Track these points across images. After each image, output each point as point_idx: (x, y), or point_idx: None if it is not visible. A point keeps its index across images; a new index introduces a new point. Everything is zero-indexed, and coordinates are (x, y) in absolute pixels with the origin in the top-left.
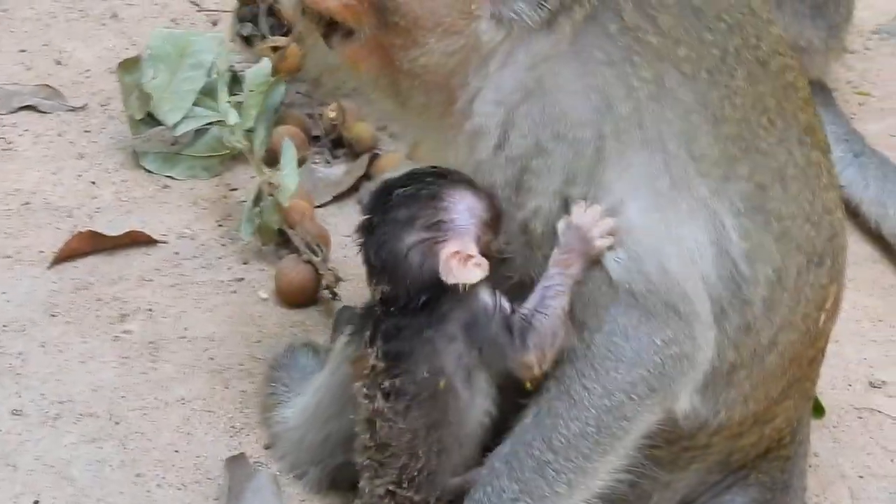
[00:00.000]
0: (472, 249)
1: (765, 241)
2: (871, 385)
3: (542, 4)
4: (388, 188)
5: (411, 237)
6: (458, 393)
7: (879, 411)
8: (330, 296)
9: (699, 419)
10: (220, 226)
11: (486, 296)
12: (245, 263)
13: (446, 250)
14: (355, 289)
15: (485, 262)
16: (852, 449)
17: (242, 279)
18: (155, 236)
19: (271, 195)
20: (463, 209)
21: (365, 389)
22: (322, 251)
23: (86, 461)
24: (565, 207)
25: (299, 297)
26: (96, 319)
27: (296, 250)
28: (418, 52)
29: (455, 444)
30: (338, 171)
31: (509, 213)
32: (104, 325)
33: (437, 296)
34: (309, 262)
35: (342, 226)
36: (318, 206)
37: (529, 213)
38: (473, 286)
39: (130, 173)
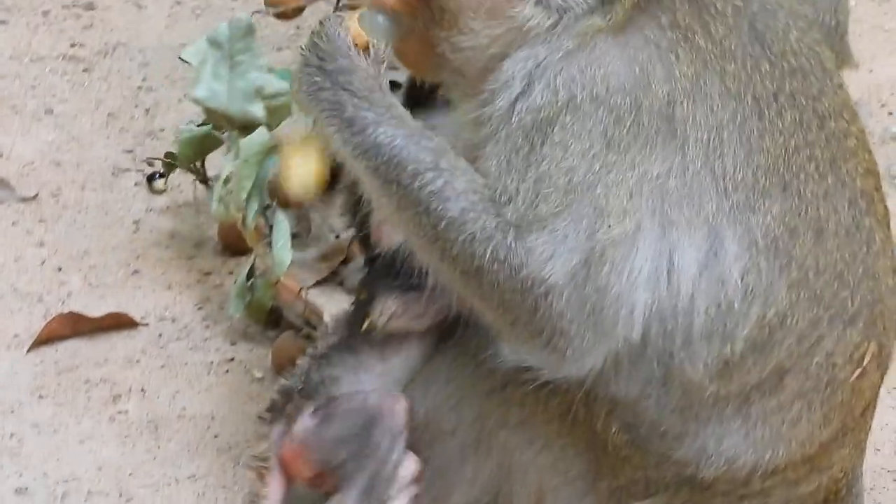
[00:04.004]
0: None
1: (775, 284)
2: None
3: None
4: None
5: None
6: None
7: None
8: None
9: (728, 464)
10: (199, 308)
11: None
12: (233, 344)
13: None
14: None
15: None
16: None
17: (233, 359)
18: (135, 318)
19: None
20: None
21: None
22: (320, 326)
23: None
24: (607, 173)
25: None
26: (88, 400)
27: (285, 329)
28: (463, 38)
29: None
30: (311, 255)
31: (512, 160)
32: (97, 406)
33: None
34: (308, 336)
35: (328, 307)
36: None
37: (553, 166)
38: None
39: (97, 259)
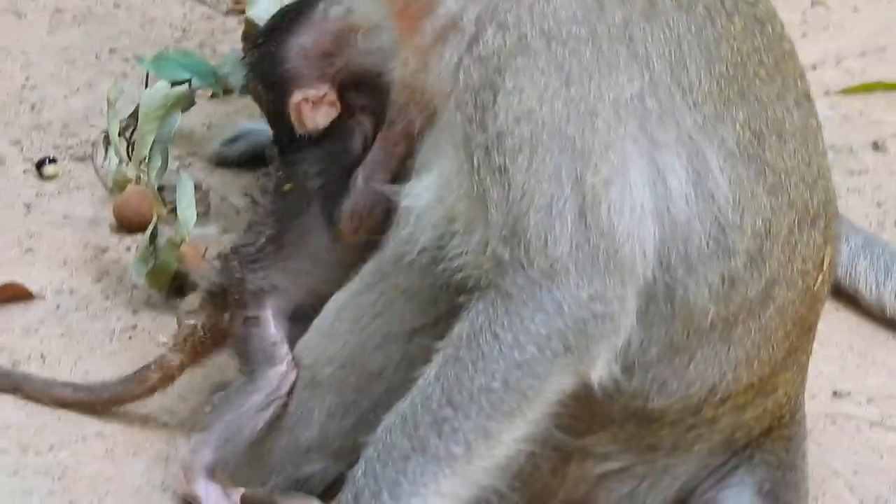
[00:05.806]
0: (319, 89)
1: (756, 192)
2: (836, 394)
3: None
4: None
5: (267, 100)
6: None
7: (853, 416)
8: None
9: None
10: (98, 282)
11: (357, 140)
12: (135, 313)
13: (291, 101)
14: None
15: (336, 100)
16: (838, 450)
17: (136, 326)
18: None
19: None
20: (294, 54)
21: None
22: None
23: (9, 491)
24: (575, 109)
25: None
26: None
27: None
28: None
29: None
30: (212, 230)
31: (468, 132)
32: None
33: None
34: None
35: None
36: None
37: (511, 118)
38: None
39: None
